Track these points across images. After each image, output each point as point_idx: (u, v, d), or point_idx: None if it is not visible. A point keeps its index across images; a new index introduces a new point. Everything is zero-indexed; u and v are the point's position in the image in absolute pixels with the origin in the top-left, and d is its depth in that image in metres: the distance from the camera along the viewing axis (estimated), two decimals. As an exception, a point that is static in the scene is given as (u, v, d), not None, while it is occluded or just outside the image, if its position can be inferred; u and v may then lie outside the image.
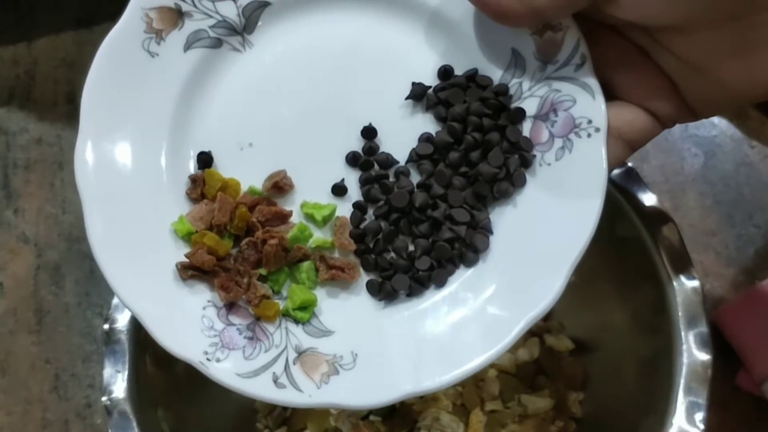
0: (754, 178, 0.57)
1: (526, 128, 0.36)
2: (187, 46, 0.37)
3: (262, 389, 0.34)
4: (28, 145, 0.60)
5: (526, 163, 0.35)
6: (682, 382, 0.41)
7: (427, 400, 0.49)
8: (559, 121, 0.35)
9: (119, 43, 0.36)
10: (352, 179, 0.37)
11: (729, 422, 0.50)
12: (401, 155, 0.37)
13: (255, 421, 0.51)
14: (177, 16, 0.37)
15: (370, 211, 0.37)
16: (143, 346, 0.44)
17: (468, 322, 0.35)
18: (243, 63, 0.38)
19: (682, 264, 0.44)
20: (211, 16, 0.37)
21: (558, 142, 0.35)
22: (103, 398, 0.42)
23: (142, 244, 0.35)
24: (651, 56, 0.33)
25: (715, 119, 0.58)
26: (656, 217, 0.44)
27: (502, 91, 0.36)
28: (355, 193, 0.37)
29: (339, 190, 0.37)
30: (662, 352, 0.43)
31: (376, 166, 0.37)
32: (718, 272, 0.54)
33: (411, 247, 0.36)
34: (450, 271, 0.36)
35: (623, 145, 0.35)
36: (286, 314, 0.35)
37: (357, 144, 0.37)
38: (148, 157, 0.36)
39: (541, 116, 0.36)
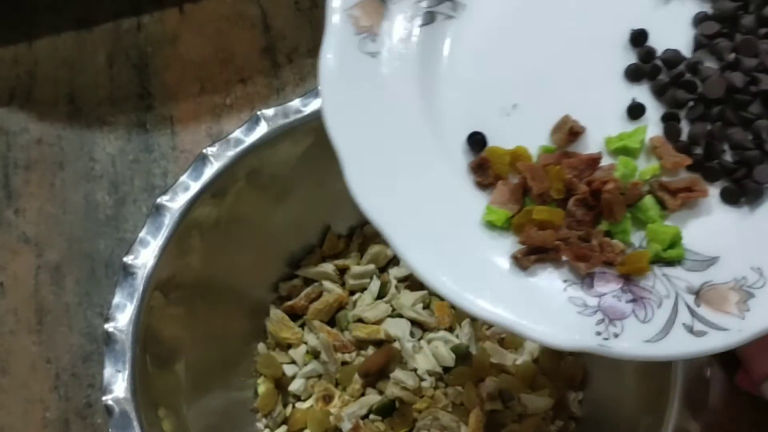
0: (753, 178, 0.57)
1: None
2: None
3: (682, 345, 0.30)
4: (29, 145, 0.60)
5: None
6: (681, 381, 0.41)
7: (427, 399, 0.49)
8: None
9: (337, 55, 0.34)
10: (638, 95, 0.34)
11: (728, 422, 0.50)
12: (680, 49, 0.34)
13: (255, 420, 0.51)
14: (380, 4, 0.34)
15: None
16: (144, 345, 0.44)
17: None
18: (464, 28, 0.35)
19: (682, 264, 0.44)
20: None
21: None
22: (104, 398, 0.42)
23: (462, 256, 0.32)
24: None
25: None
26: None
27: None
28: (651, 108, 0.34)
29: (636, 110, 0.33)
30: (661, 351, 0.43)
31: (664, 69, 0.33)
32: (717, 272, 0.54)
33: (748, 135, 0.32)
34: None
35: None
36: (655, 261, 0.32)
37: (625, 57, 0.34)
38: (419, 166, 0.33)
39: None
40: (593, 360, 0.51)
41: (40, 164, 0.60)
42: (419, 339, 0.51)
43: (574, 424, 0.50)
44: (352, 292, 0.54)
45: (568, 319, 0.31)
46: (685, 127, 0.33)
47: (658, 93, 0.33)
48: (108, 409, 0.42)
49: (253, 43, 0.63)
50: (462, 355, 0.50)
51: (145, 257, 0.45)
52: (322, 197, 0.52)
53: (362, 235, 0.55)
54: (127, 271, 0.44)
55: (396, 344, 0.51)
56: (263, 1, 0.65)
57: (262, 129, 0.47)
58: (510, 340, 0.51)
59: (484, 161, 0.33)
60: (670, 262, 0.32)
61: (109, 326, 0.43)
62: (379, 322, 0.52)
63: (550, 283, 0.32)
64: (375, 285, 0.53)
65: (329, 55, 0.34)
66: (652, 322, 0.30)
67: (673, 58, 0.33)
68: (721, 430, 0.50)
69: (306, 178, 0.51)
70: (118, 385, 0.42)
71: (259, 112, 0.47)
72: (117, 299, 0.44)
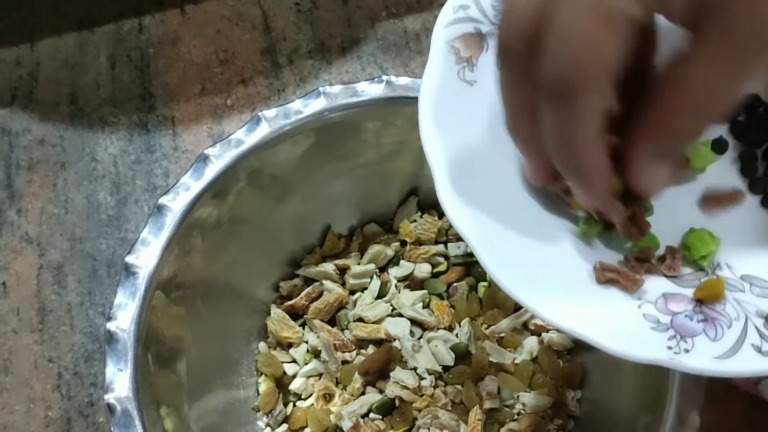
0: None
1: None
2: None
3: (750, 363, 0.31)
4: (31, 145, 0.61)
5: None
6: (679, 380, 0.42)
7: (427, 398, 0.49)
8: None
9: (438, 81, 0.36)
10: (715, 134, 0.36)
11: (725, 421, 0.51)
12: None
13: (256, 419, 0.51)
14: (480, 39, 0.37)
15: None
16: (145, 344, 0.44)
17: None
18: None
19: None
20: None
21: None
22: (106, 396, 0.42)
23: (542, 266, 0.33)
24: None
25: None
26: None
27: None
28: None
29: (721, 145, 0.36)
30: (659, 350, 0.44)
31: (743, 111, 0.36)
32: (715, 272, 0.55)
33: None
34: None
35: None
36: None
37: None
38: (514, 188, 0.35)
39: None
40: (592, 359, 0.51)
41: (43, 164, 0.60)
42: (419, 338, 0.52)
43: (573, 423, 0.50)
44: (352, 292, 0.54)
45: (640, 335, 0.32)
46: (760, 166, 0.36)
47: (737, 133, 0.36)
48: (110, 408, 0.42)
49: (253, 44, 0.64)
50: (461, 354, 0.51)
51: (146, 257, 0.45)
52: (322, 197, 0.53)
53: (362, 235, 0.55)
54: (129, 271, 0.44)
55: (396, 343, 0.51)
56: (264, 2, 0.65)
57: (262, 129, 0.47)
58: (509, 339, 0.52)
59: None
60: (742, 289, 0.34)
61: (111, 325, 0.44)
62: (379, 321, 0.52)
63: (626, 299, 0.33)
64: (375, 284, 0.53)
65: (431, 80, 0.36)
66: (722, 341, 0.32)
67: (753, 102, 0.36)
68: (719, 429, 0.50)
69: (306, 178, 0.51)
70: (119, 383, 0.43)
71: (259, 113, 0.47)
72: (119, 299, 0.44)
